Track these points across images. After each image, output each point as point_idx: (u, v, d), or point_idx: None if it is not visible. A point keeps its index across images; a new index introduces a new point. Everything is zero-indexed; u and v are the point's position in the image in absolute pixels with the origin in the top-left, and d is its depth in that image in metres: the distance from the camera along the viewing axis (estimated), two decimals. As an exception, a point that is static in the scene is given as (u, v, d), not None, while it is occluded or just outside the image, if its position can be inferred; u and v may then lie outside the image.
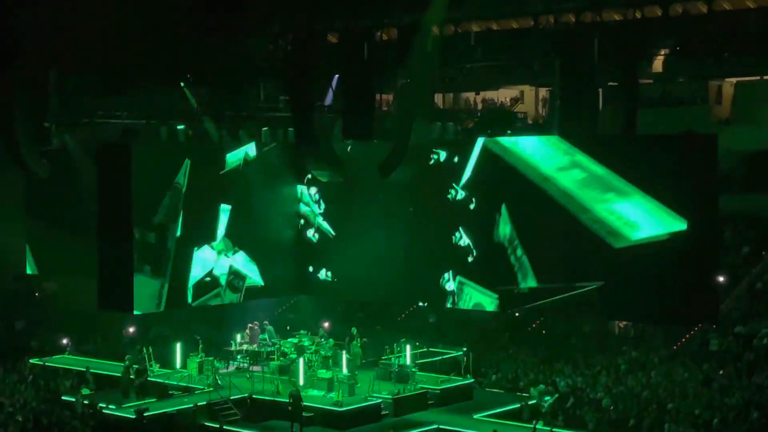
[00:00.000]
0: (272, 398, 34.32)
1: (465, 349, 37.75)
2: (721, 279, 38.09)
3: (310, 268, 39.13)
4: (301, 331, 38.70)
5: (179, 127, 38.78)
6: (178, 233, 36.15)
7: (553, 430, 31.56)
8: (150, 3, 36.52)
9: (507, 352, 40.77)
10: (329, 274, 38.75)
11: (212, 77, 38.70)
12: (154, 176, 35.88)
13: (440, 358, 37.98)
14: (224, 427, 32.70)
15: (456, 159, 35.03)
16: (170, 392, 35.93)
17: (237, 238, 37.72)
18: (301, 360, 35.88)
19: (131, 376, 36.42)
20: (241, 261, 37.90)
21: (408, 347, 37.01)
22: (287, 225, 39.47)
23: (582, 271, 32.28)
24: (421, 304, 39.32)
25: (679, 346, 39.42)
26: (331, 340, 37.99)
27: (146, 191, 35.47)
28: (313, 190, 39.01)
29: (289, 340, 37.92)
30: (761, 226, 43.80)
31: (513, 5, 42.76)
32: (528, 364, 39.13)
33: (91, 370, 38.49)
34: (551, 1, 38.47)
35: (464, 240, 34.85)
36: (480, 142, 33.89)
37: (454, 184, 34.89)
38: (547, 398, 33.14)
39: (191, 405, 34.04)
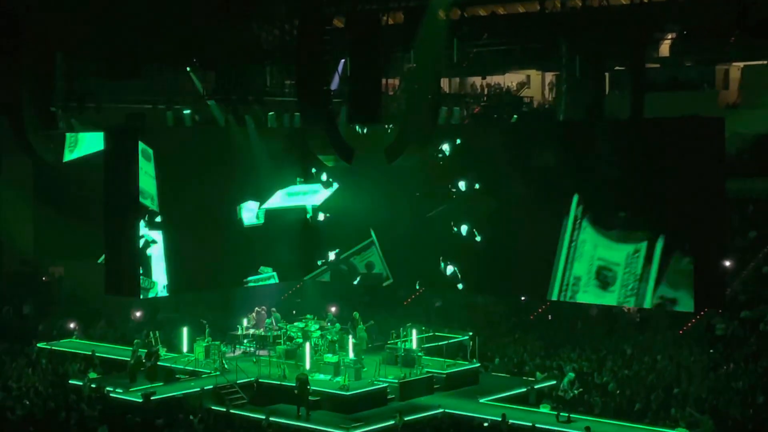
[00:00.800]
0: (279, 382, 34.39)
1: (471, 333, 37.78)
2: (727, 263, 38.06)
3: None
4: (308, 316, 38.74)
5: (185, 111, 38.81)
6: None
7: (560, 413, 31.61)
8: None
9: (513, 336, 40.82)
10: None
11: (219, 61, 38.66)
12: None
13: (446, 342, 38.00)
14: (231, 410, 32.76)
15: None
16: (177, 376, 36.01)
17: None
18: (307, 344, 35.93)
19: (142, 359, 36.41)
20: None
21: (414, 332, 37.04)
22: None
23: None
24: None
25: (685, 331, 39.46)
26: (338, 324, 38.04)
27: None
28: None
29: (295, 324, 37.95)
30: (768, 210, 43.82)
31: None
32: (534, 349, 39.18)
33: (97, 354, 38.64)
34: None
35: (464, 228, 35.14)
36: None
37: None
38: (576, 388, 32.83)
39: (198, 389, 34.12)
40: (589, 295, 32.39)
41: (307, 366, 35.13)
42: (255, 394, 34.33)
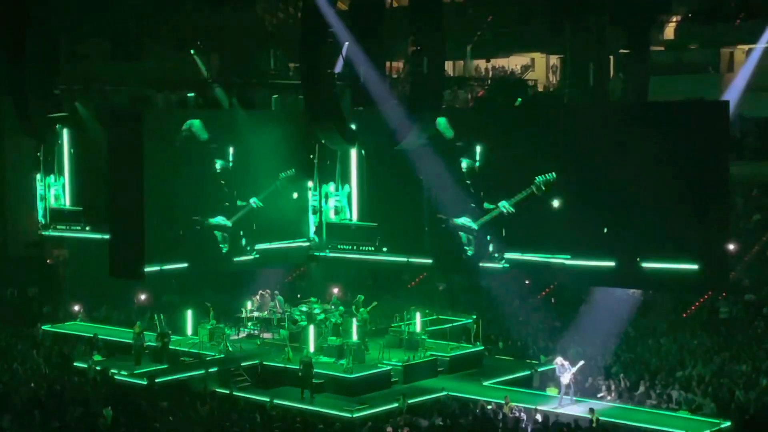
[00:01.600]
0: (283, 365, 34.47)
1: (475, 316, 37.81)
2: (731, 246, 38.02)
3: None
4: (312, 299, 38.78)
5: (189, 94, 38.80)
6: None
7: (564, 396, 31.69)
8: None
9: (517, 319, 40.84)
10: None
11: (223, 44, 38.66)
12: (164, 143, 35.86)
13: (450, 325, 38.04)
14: (235, 393, 32.86)
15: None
16: (181, 359, 36.09)
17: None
18: (311, 327, 35.98)
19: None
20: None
21: (418, 314, 37.08)
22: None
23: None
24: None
25: (688, 314, 39.47)
26: (341, 307, 38.08)
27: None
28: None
29: (300, 307, 38.00)
30: (773, 193, 43.76)
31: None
32: (538, 332, 39.20)
33: (100, 337, 38.73)
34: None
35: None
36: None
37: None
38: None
39: (202, 371, 34.21)
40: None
41: (311, 348, 35.20)
42: (259, 377, 34.41)
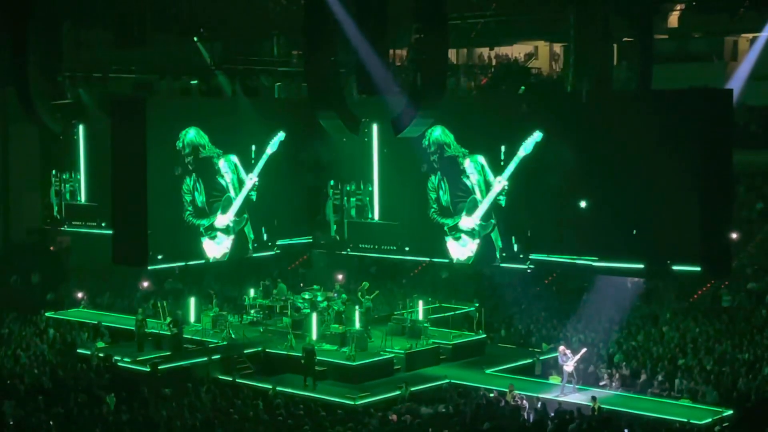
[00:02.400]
0: (286, 352, 34.52)
1: (477, 304, 37.85)
2: (734, 235, 38.03)
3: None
4: (314, 286, 38.83)
5: (193, 81, 38.76)
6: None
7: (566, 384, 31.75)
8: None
9: (519, 307, 40.88)
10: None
11: (226, 31, 38.60)
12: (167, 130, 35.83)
13: (452, 313, 38.08)
14: (238, 380, 32.93)
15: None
16: (185, 346, 36.16)
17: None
18: (314, 315, 36.03)
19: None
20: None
21: (420, 302, 37.12)
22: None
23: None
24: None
25: (691, 302, 39.50)
26: (344, 295, 38.12)
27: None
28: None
29: (303, 294, 38.04)
30: (775, 182, 43.78)
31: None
32: (540, 320, 39.24)
33: (104, 324, 38.79)
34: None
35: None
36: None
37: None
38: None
39: (205, 359, 34.28)
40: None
41: (314, 336, 35.25)
42: (262, 364, 34.47)
